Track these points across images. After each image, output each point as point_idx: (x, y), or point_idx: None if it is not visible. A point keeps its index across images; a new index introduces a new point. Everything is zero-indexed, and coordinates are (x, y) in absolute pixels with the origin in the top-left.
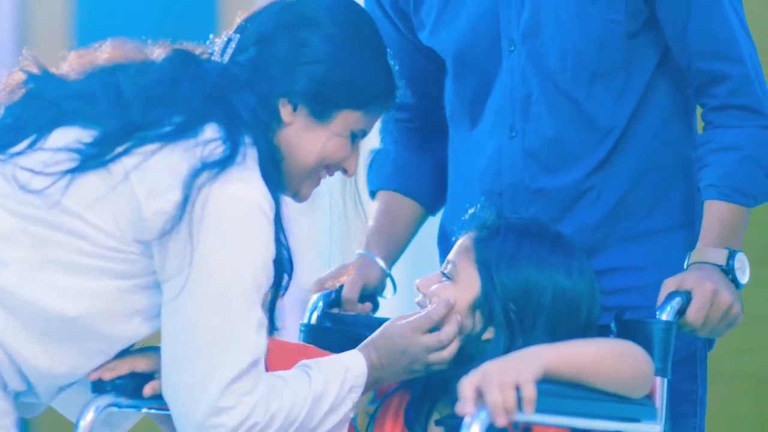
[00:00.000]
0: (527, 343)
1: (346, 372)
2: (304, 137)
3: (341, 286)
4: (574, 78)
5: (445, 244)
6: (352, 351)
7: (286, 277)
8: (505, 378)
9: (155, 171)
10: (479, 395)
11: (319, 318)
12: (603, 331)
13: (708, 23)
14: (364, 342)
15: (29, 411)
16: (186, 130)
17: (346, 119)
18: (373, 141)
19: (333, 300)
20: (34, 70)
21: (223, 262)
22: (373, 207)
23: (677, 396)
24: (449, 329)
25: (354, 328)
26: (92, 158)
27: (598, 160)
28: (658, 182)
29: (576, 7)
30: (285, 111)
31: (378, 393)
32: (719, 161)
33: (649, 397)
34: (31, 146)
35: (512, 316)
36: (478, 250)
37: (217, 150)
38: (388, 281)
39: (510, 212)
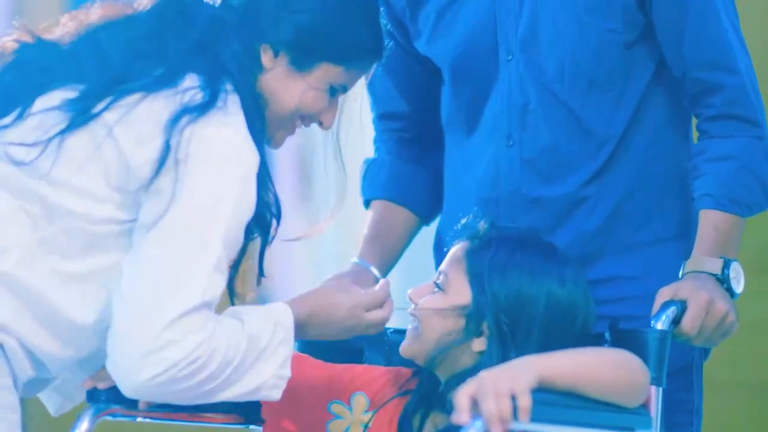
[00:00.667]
0: (520, 353)
1: (276, 324)
2: (282, 85)
3: None
4: (571, 87)
5: (440, 252)
6: (280, 303)
7: (274, 222)
8: (501, 387)
9: (138, 121)
10: (475, 404)
11: None
12: (597, 340)
13: (704, 33)
14: (297, 297)
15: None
16: (167, 81)
17: (326, 72)
18: (368, 150)
19: None
20: (27, 38)
21: (200, 201)
22: (367, 216)
23: (673, 405)
24: (384, 285)
25: (349, 338)
26: (78, 115)
27: (595, 170)
28: (654, 192)
29: (574, 17)
30: (266, 57)
31: (372, 403)
32: (714, 171)
33: (645, 406)
34: (19, 117)
35: (504, 328)
36: (470, 261)
37: (197, 96)
38: None
39: (507, 221)
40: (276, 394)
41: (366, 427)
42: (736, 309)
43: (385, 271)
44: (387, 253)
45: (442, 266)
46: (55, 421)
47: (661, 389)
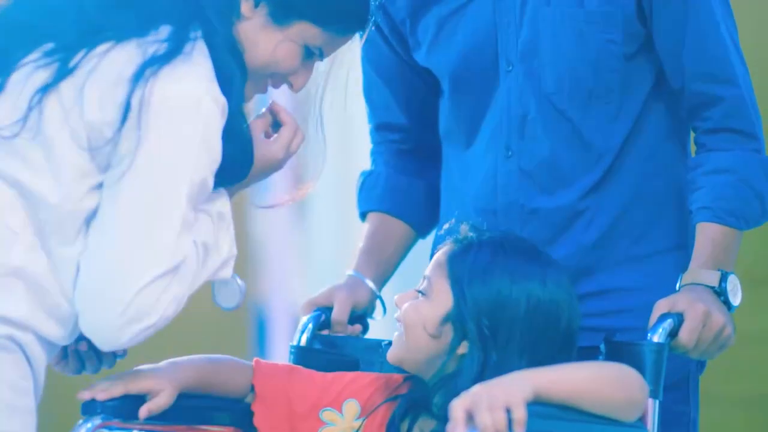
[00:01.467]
0: (502, 357)
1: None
2: (257, 36)
3: (331, 308)
4: (571, 98)
5: None
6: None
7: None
8: (496, 400)
9: (105, 75)
10: (470, 417)
11: (309, 340)
12: (592, 352)
13: (704, 45)
14: None
15: None
16: (137, 29)
17: (303, 30)
18: (364, 163)
19: (323, 322)
20: None
21: (160, 160)
22: (363, 228)
23: (670, 418)
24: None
25: (344, 350)
26: (58, 68)
27: (593, 182)
28: (652, 204)
29: (574, 28)
30: (246, 5)
31: (364, 410)
32: (712, 184)
33: (641, 419)
34: (2, 85)
35: (485, 332)
36: (451, 266)
37: (162, 46)
38: (378, 303)
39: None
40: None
41: None
42: (733, 321)
43: (381, 283)
44: (382, 266)
45: (426, 271)
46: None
47: (657, 402)
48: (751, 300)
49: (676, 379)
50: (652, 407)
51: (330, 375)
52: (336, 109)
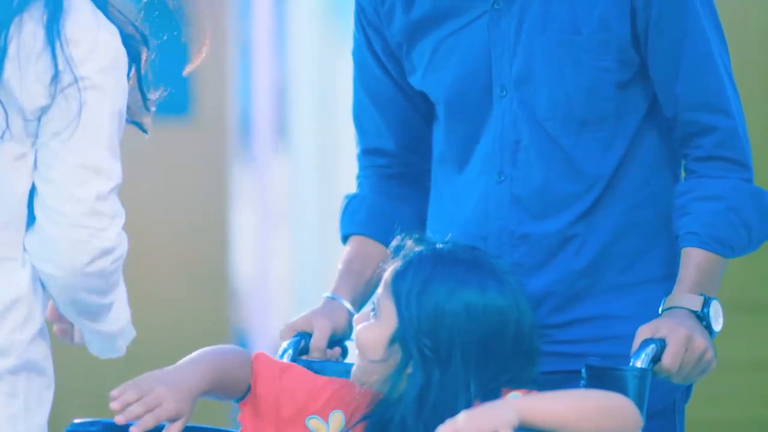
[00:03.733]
0: (445, 372)
1: None
2: None
3: (310, 333)
4: (564, 126)
5: None
6: None
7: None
8: (482, 426)
9: (25, 45)
10: None
11: None
12: (574, 377)
13: (699, 76)
14: None
15: None
16: None
17: None
18: (347, 187)
19: (303, 347)
20: None
21: (94, 102)
22: (343, 251)
23: None
24: None
25: (324, 375)
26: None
27: (584, 209)
28: (643, 233)
29: (569, 55)
30: None
31: (348, 422)
32: (701, 210)
33: None
34: None
35: (426, 351)
36: (394, 284)
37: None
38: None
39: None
40: None
41: None
42: (715, 346)
43: (359, 306)
44: (361, 289)
45: (378, 290)
46: None
47: (641, 429)
48: (735, 326)
49: (663, 407)
50: None
51: (321, 380)
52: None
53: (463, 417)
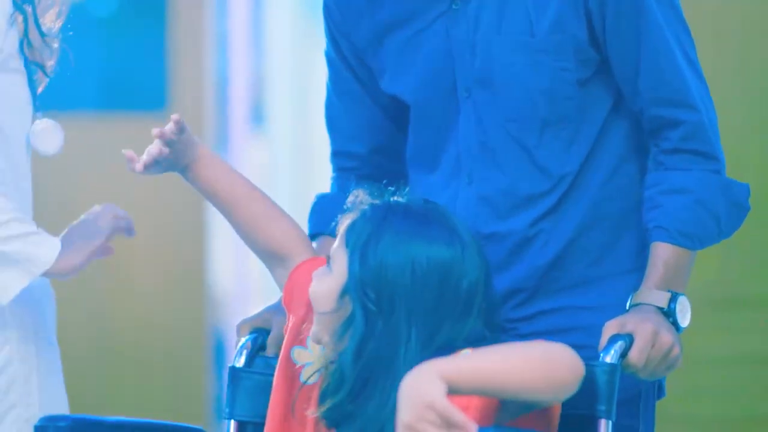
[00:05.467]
0: (387, 324)
1: None
2: None
3: (267, 330)
4: (526, 126)
5: None
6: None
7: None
8: (418, 411)
9: None
10: None
11: (247, 362)
12: None
13: (658, 72)
14: None
15: None
16: None
17: None
18: (322, 187)
19: (261, 343)
20: None
21: None
22: None
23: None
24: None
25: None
26: None
27: (550, 206)
28: (610, 226)
29: (526, 56)
30: None
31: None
32: (669, 203)
33: None
34: None
35: (369, 304)
36: (347, 236)
37: None
38: None
39: None
40: None
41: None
42: (681, 342)
43: None
44: None
45: (334, 243)
46: None
47: (611, 422)
48: (710, 322)
49: (630, 396)
50: (605, 428)
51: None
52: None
53: (401, 412)
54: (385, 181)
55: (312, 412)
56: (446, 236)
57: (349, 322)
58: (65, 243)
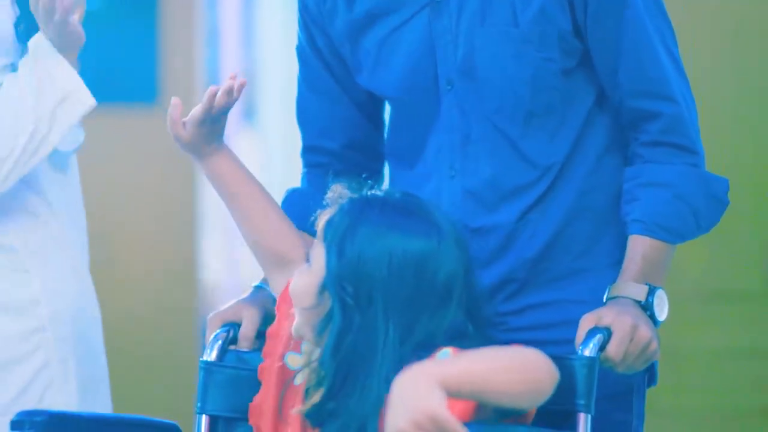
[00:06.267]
0: (365, 317)
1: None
2: None
3: (238, 323)
4: (510, 117)
5: None
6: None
7: None
8: (417, 417)
9: None
10: None
11: (219, 355)
12: None
13: (638, 63)
14: None
15: None
16: None
17: None
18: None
19: (232, 337)
20: None
21: None
22: None
23: (611, 427)
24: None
25: (254, 365)
26: None
27: (536, 198)
28: (596, 219)
29: (510, 47)
30: None
31: None
32: (647, 196)
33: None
34: None
35: (347, 297)
36: (325, 231)
37: None
38: None
39: None
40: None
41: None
42: (659, 336)
43: None
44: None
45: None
46: None
47: (590, 416)
48: (699, 316)
49: (622, 390)
50: (584, 422)
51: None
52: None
53: (394, 416)
54: (363, 176)
55: (296, 411)
56: (423, 228)
57: (328, 318)
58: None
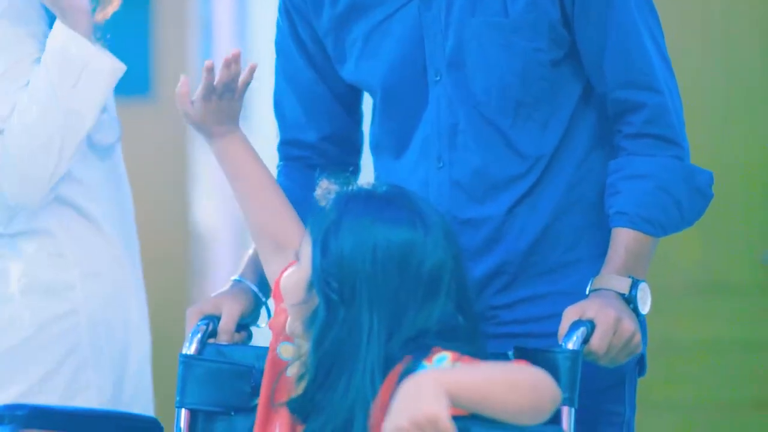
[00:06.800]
0: (350, 312)
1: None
2: None
3: (217, 316)
4: (499, 107)
5: None
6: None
7: None
8: (418, 419)
9: None
10: None
11: (199, 349)
12: (502, 359)
13: (624, 53)
14: None
15: None
16: None
17: None
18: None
19: (212, 330)
20: None
21: None
22: None
23: (603, 418)
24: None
25: (235, 359)
26: None
27: (525, 190)
28: (584, 211)
29: (500, 37)
30: None
31: None
32: (631, 189)
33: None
34: None
35: (332, 293)
36: (311, 226)
37: None
38: (264, 310)
39: None
40: None
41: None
42: (640, 329)
43: (268, 291)
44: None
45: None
46: None
47: (573, 410)
48: (692, 308)
49: (614, 382)
50: (568, 415)
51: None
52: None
53: (396, 414)
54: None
55: (280, 404)
56: (407, 218)
57: (315, 313)
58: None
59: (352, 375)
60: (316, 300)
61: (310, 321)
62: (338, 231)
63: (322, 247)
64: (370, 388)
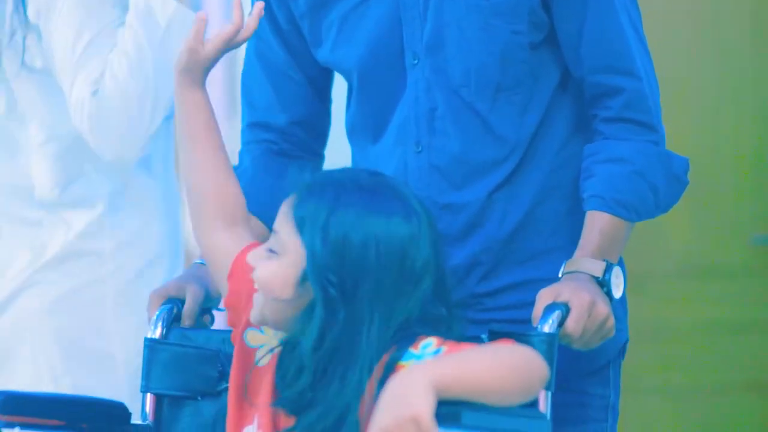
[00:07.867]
0: (350, 308)
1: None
2: None
3: (181, 299)
4: (478, 91)
5: None
6: None
7: None
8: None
9: None
10: None
11: (164, 333)
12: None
13: (602, 36)
14: None
15: None
16: None
17: None
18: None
19: (176, 314)
20: None
21: None
22: None
23: (588, 401)
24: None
25: (199, 343)
26: None
27: (505, 175)
28: (565, 196)
29: (479, 20)
30: None
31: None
32: (605, 172)
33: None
34: None
35: (332, 288)
36: (296, 214)
37: None
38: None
39: None
40: None
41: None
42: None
43: None
44: None
45: (275, 225)
46: None
47: (550, 393)
48: (681, 292)
49: (600, 366)
50: (545, 399)
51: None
52: None
53: (381, 413)
54: (297, 159)
55: (273, 404)
56: (403, 211)
57: (310, 310)
58: None
59: (349, 370)
60: (309, 296)
61: (305, 318)
62: (334, 221)
63: (321, 239)
64: (366, 381)
